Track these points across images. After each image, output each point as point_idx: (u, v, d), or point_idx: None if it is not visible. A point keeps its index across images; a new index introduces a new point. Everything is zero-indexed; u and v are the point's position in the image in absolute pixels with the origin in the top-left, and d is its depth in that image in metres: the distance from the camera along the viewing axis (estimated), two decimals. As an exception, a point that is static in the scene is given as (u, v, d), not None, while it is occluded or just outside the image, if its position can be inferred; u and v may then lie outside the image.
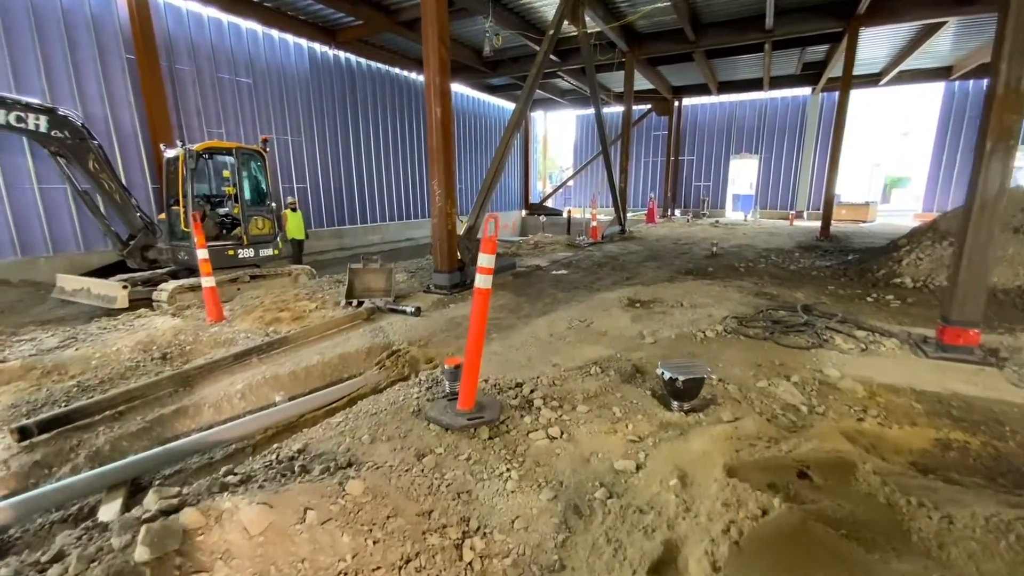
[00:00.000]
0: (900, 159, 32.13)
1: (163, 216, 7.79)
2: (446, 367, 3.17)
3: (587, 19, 10.91)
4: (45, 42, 8.47)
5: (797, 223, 17.96)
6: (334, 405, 3.62)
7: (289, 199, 10.26)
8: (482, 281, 2.77)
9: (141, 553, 1.36)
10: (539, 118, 25.14)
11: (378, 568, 1.66)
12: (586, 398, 3.24)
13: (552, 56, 13.69)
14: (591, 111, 22.09)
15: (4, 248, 8.23)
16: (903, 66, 15.32)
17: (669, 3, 10.54)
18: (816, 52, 15.00)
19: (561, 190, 24.01)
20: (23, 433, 2.91)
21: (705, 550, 1.70)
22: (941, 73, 16.52)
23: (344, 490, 1.89)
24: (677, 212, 22.19)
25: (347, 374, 4.19)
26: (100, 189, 7.21)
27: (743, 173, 21.96)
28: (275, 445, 2.77)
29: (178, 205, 7.26)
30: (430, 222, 6.85)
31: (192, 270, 7.17)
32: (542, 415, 2.99)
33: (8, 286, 7.82)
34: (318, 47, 12.84)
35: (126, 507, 2.58)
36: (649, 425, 2.83)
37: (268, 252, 8.24)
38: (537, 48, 10.94)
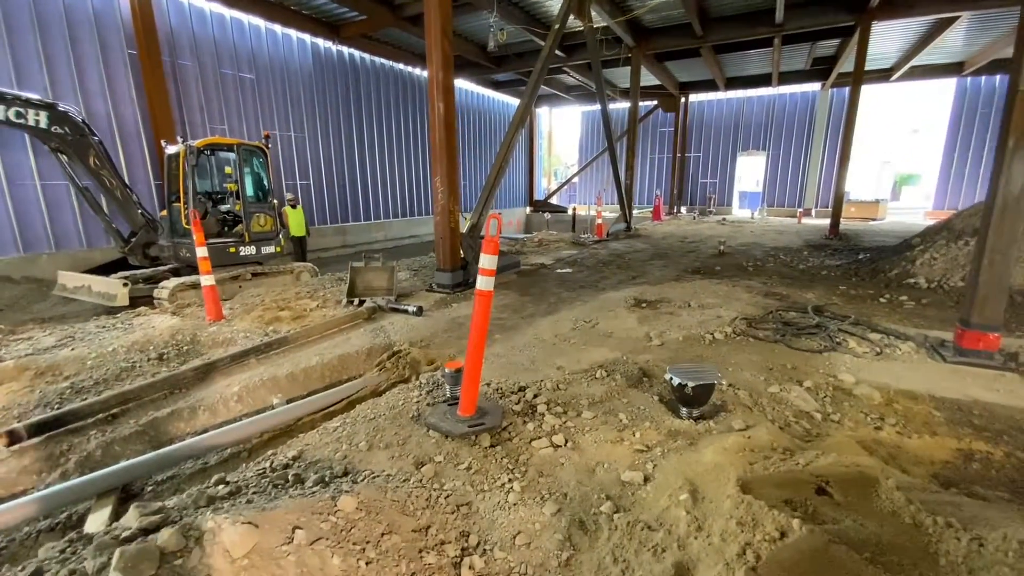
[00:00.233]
0: (910, 156, 31.70)
1: (165, 213, 7.73)
2: (446, 371, 3.07)
3: (593, 14, 10.75)
4: (47, 38, 8.42)
5: (805, 221, 17.72)
6: (332, 408, 3.53)
7: (289, 195, 10.16)
8: (484, 283, 2.66)
9: (115, 578, 1.27)
10: (544, 114, 24.95)
11: (371, 590, 1.56)
12: (591, 403, 3.13)
13: (557, 51, 13.53)
14: (597, 107, 21.92)
15: (6, 245, 8.20)
16: (914, 61, 15.04)
17: (677, -3, 10.37)
18: (827, 47, 14.75)
19: (566, 187, 23.82)
20: (12, 437, 2.84)
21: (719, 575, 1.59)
22: (953, 69, 16.22)
23: (336, 506, 1.79)
24: (683, 209, 21.98)
25: (346, 376, 4.10)
26: (101, 186, 7.14)
27: (750, 170, 21.70)
28: (270, 452, 2.68)
29: (180, 202, 7.19)
30: (433, 220, 6.75)
31: (194, 267, 7.11)
32: (546, 421, 2.88)
33: (10, 283, 7.79)
34: (321, 43, 12.73)
35: (115, 515, 2.49)
36: (657, 433, 2.72)
37: (270, 249, 8.16)
38: (542, 43, 10.77)
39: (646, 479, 2.31)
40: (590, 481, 2.37)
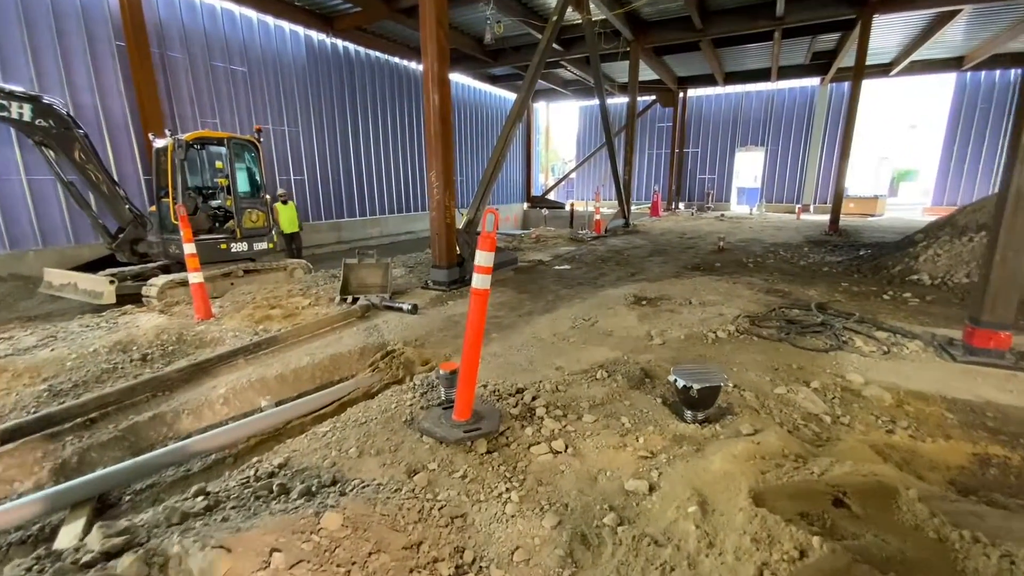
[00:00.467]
0: (907, 152, 31.68)
1: (154, 208, 7.55)
2: (441, 372, 2.94)
3: (592, 6, 10.57)
4: (33, 29, 8.20)
5: (804, 217, 17.64)
6: (323, 411, 3.40)
7: (280, 191, 9.97)
8: (480, 281, 2.53)
9: (70, 610, 1.14)
10: (541, 109, 24.74)
11: (357, 615, 1.44)
12: (592, 406, 3.01)
13: (555, 45, 13.35)
14: (594, 102, 21.79)
15: (-9, 241, 8.01)
16: (914, 56, 14.91)
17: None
18: (827, 41, 14.61)
19: (564, 183, 23.70)
20: (-17, 444, 2.69)
21: (734, 597, 1.47)
22: (952, 63, 16.10)
23: (319, 523, 1.66)
24: (681, 205, 21.86)
25: (338, 377, 3.96)
26: (87, 180, 6.95)
27: (748, 166, 21.59)
28: (255, 459, 2.55)
29: (168, 197, 7.01)
30: (428, 215, 6.60)
31: (185, 264, 6.96)
32: (545, 426, 2.76)
33: (-4, 280, 7.61)
34: (315, 35, 12.51)
35: (90, 527, 2.36)
36: (661, 438, 2.60)
37: (263, 246, 8.00)
38: (539, 36, 10.60)
39: (651, 488, 2.19)
40: (592, 490, 2.25)
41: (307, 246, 12.60)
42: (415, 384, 3.38)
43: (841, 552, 1.51)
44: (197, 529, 1.51)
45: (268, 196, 8.13)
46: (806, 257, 8.94)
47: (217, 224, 7.72)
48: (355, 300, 5.66)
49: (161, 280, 6.35)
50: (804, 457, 2.26)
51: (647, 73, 16.94)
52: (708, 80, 18.98)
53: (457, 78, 17.79)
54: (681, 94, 20.40)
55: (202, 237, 7.24)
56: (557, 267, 8.30)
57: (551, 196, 22.90)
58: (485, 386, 3.29)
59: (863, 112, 11.62)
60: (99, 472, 2.61)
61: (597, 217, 12.56)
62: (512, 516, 2.07)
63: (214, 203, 7.77)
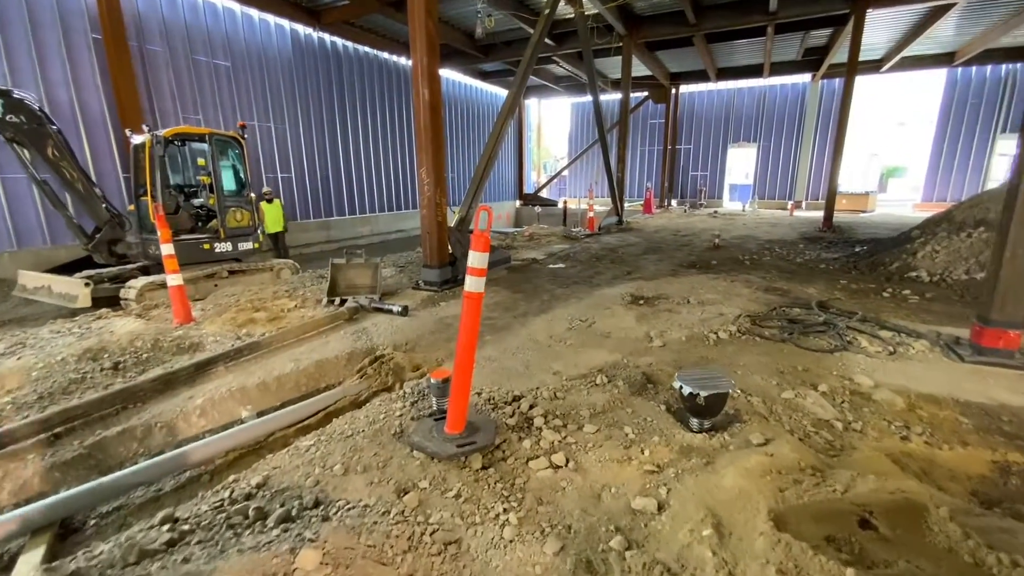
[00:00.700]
0: (896, 149, 31.94)
1: (133, 207, 7.27)
2: (432, 381, 2.76)
3: (584, 0, 10.40)
4: (5, 21, 7.87)
5: (797, 213, 17.63)
6: (308, 422, 3.21)
7: (265, 189, 9.69)
8: (473, 284, 2.35)
9: None
10: (533, 105, 24.55)
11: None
12: (593, 415, 2.85)
13: (547, 40, 13.15)
14: (586, 98, 21.64)
15: (-38, 242, 7.68)
16: (905, 52, 14.92)
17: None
18: (819, 36, 14.56)
19: (556, 180, 23.54)
20: (-68, 465, 2.47)
21: (761, 640, 1.32)
22: (943, 59, 16.14)
23: (295, 562, 1.48)
24: (674, 202, 21.79)
25: (324, 384, 3.77)
26: (61, 178, 6.65)
27: (740, 163, 21.57)
28: (232, 477, 2.35)
29: (147, 195, 6.74)
30: (419, 213, 6.40)
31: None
32: (544, 437, 2.59)
33: (-33, 283, 7.29)
34: (301, 29, 12.20)
35: (51, 555, 2.15)
36: (668, 450, 2.45)
37: (248, 246, 7.76)
38: (531, 31, 10.41)
39: (660, 507, 2.03)
40: (596, 509, 2.08)
41: (295, 245, 12.34)
42: (405, 392, 3.19)
43: (879, 587, 1.36)
44: (154, 574, 1.32)
45: (253, 194, 7.87)
46: (802, 254, 8.86)
47: (200, 223, 7.47)
48: (343, 302, 5.46)
49: (140, 282, 6.11)
50: (821, 470, 2.11)
51: (639, 69, 16.81)
52: (700, 76, 18.90)
53: (447, 74, 17.53)
54: (673, 90, 20.30)
55: (184, 237, 6.99)
56: (551, 266, 8.14)
57: (543, 194, 22.74)
58: (479, 393, 3.11)
59: (853, 109, 11.57)
60: (62, 494, 2.40)
61: (591, 215, 12.41)
62: (511, 541, 1.90)
63: (196, 202, 7.51)
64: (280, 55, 11.85)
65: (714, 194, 21.72)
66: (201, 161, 7.24)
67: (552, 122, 27.78)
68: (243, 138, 7.57)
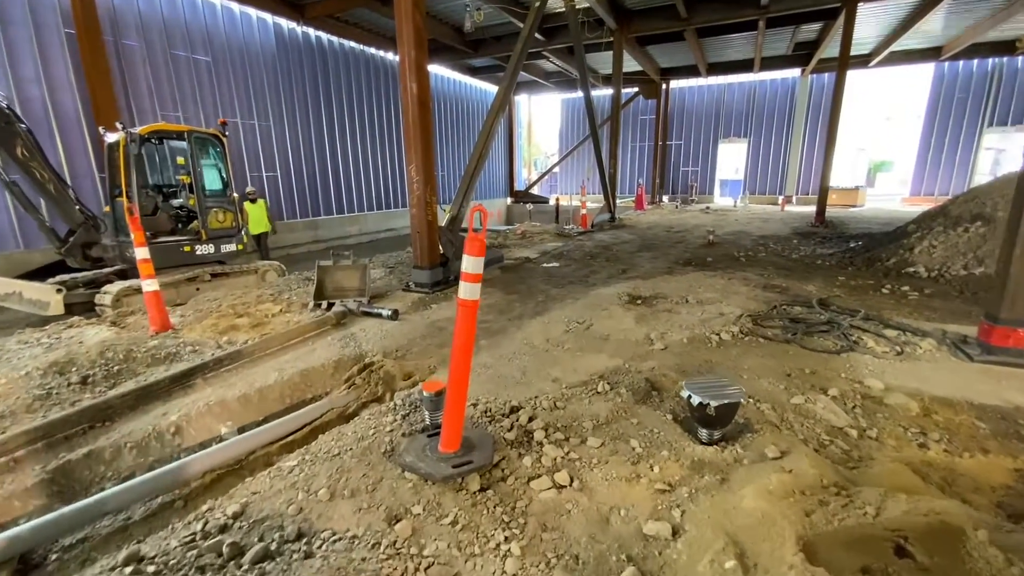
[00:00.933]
0: (883, 143, 32.24)
1: (109, 209, 6.96)
2: (425, 394, 2.58)
3: (575, -8, 10.22)
4: (-28, 17, 7.51)
5: (788, 208, 17.65)
6: (292, 437, 3.01)
7: (249, 189, 9.39)
8: (467, 291, 2.17)
9: None
10: (523, 102, 24.33)
11: None
12: (596, 426, 2.69)
13: (537, 35, 12.96)
14: (576, 95, 21.46)
15: (-72, 247, 7.32)
16: (893, 47, 14.94)
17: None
18: (809, 31, 14.53)
19: (547, 177, 23.36)
20: None
21: None
22: (930, 54, 16.22)
23: (270, 620, 1.30)
24: (665, 198, 21.74)
25: (310, 395, 3.57)
26: (31, 179, 6.34)
27: (730, 158, 21.57)
28: (206, 506, 2.15)
29: (123, 196, 6.45)
30: (409, 212, 6.20)
31: (142, 269, 6.42)
32: (545, 453, 2.42)
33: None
34: (285, 23, 11.87)
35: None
36: (679, 466, 2.29)
37: (231, 247, 7.48)
38: (521, 25, 10.21)
39: (675, 532, 1.87)
40: (605, 535, 1.92)
41: (282, 246, 12.06)
42: (396, 404, 3.01)
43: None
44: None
45: (236, 194, 7.60)
46: (797, 250, 8.80)
47: (180, 225, 7.19)
48: (330, 306, 5.24)
49: (116, 287, 5.84)
50: (846, 488, 1.97)
51: (630, 64, 16.67)
52: (691, 71, 18.82)
53: (436, 70, 17.26)
54: (664, 86, 20.21)
55: (163, 239, 6.72)
56: (545, 264, 7.98)
57: (535, 191, 22.57)
58: (475, 405, 2.94)
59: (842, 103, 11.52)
60: (22, 527, 2.18)
61: (583, 212, 12.26)
62: None
63: (176, 202, 7.22)
64: (263, 50, 11.52)
65: (705, 190, 21.70)
66: (180, 160, 6.96)
67: (542, 118, 27.64)
68: (224, 135, 7.29)
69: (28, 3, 8.04)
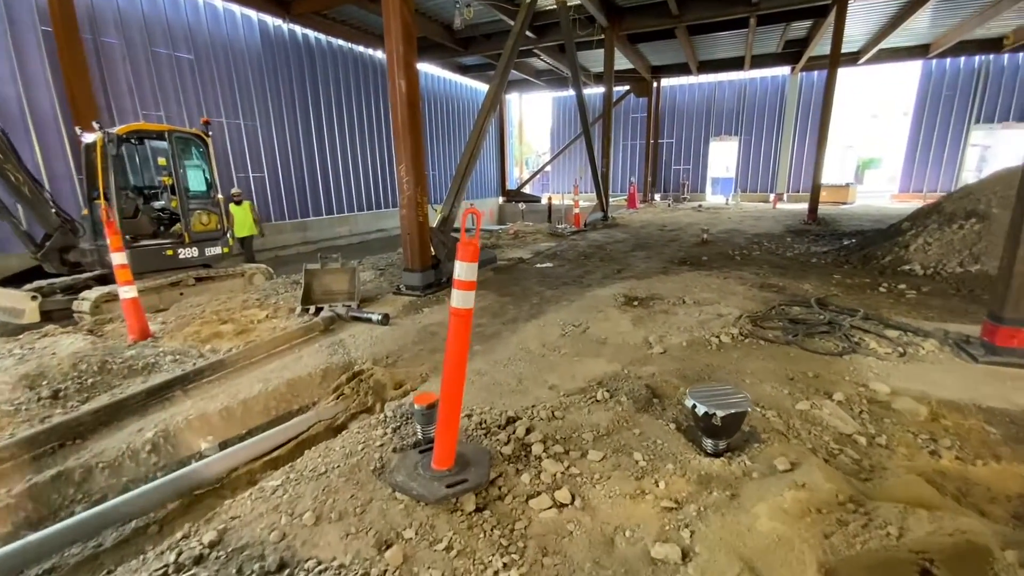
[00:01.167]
0: (870, 141, 32.49)
1: (87, 212, 6.73)
2: (416, 407, 2.44)
3: (566, -11, 10.09)
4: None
5: (780, 206, 17.68)
6: (276, 453, 2.86)
7: (234, 190, 9.15)
8: (461, 299, 2.03)
9: None
10: (514, 100, 24.17)
11: None
12: (596, 437, 2.57)
13: (528, 33, 12.82)
14: (568, 93, 21.37)
15: None
16: (882, 44, 14.99)
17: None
18: (799, 28, 14.54)
19: (539, 176, 23.23)
20: None
21: None
22: (918, 51, 16.31)
23: None
24: (657, 197, 21.72)
25: (296, 406, 3.41)
26: (5, 182, 6.09)
27: (721, 156, 21.59)
28: (181, 534, 2.00)
29: (101, 198, 6.22)
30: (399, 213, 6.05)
31: (123, 274, 6.19)
32: (544, 468, 2.30)
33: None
34: (270, 20, 11.62)
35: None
36: (685, 481, 2.18)
37: (216, 251, 7.27)
38: (512, 22, 10.07)
39: (685, 555, 1.76)
40: (610, 559, 1.80)
41: (271, 248, 11.82)
42: (386, 416, 2.87)
43: None
44: None
45: (221, 196, 7.39)
46: (791, 248, 8.75)
47: (162, 228, 6.97)
48: (318, 310, 5.08)
49: (94, 293, 5.63)
50: (862, 504, 1.86)
51: (621, 63, 16.58)
52: (682, 69, 18.79)
53: (426, 68, 17.06)
54: (655, 84, 20.17)
55: (143, 243, 6.51)
56: (539, 265, 7.85)
57: (527, 190, 22.44)
58: (469, 416, 2.81)
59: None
60: (-22, 558, 2.02)
61: (576, 211, 12.15)
62: (514, 608, 1.61)
63: (157, 204, 7.00)
64: (248, 48, 11.26)
65: (697, 188, 21.71)
66: (162, 161, 6.74)
67: (534, 117, 27.54)
68: (208, 135, 7.08)
69: (2, 1, 7.75)
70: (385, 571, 1.75)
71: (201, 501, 2.52)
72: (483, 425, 2.70)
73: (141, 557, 1.92)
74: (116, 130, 5.98)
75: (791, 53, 16.90)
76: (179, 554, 1.86)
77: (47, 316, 5.70)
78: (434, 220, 6.60)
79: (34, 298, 5.40)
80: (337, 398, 3.36)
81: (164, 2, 9.69)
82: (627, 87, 19.87)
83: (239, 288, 7.07)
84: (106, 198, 6.00)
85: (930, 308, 4.94)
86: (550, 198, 17.57)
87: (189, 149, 6.98)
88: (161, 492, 2.40)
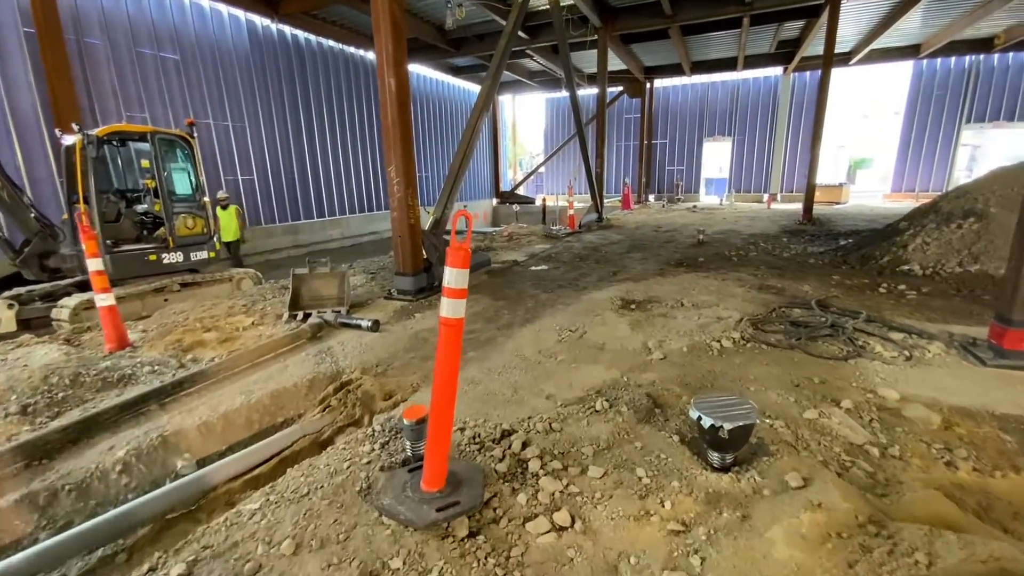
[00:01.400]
0: (861, 140, 32.67)
1: (67, 217, 6.53)
2: (405, 422, 2.29)
3: (558, -12, 9.99)
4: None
5: (774, 206, 17.67)
6: (258, 471, 2.70)
7: (220, 194, 8.94)
8: (451, 309, 1.89)
9: None
10: (507, 102, 24.07)
11: None
12: (597, 452, 2.43)
13: (521, 33, 12.71)
14: (561, 94, 21.28)
15: None
16: (873, 44, 15.02)
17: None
18: (792, 29, 14.55)
19: (533, 177, 23.14)
20: None
21: None
22: (909, 52, 16.36)
23: None
24: (651, 197, 21.67)
25: (281, 418, 3.26)
26: (-19, 186, 5.90)
27: (714, 156, 21.58)
28: (147, 566, 1.84)
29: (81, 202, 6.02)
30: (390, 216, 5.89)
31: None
32: (542, 487, 2.16)
33: None
34: (258, 20, 11.43)
35: None
36: (692, 499, 2.04)
37: (202, 255, 7.08)
38: (504, 23, 9.94)
39: (695, 586, 1.62)
40: (614, 590, 1.66)
41: (261, 252, 11.62)
42: (374, 431, 2.71)
43: None
44: None
45: (207, 199, 7.20)
46: (787, 248, 8.67)
47: (146, 232, 6.77)
48: (306, 317, 4.92)
49: (74, 300, 5.44)
50: (884, 526, 1.74)
51: (614, 63, 16.51)
52: (675, 69, 18.76)
53: (418, 69, 16.92)
54: (648, 84, 20.14)
55: (125, 248, 6.31)
56: (534, 267, 7.72)
57: (520, 191, 22.33)
58: (462, 430, 2.66)
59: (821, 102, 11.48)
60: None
61: (571, 212, 12.04)
62: (510, 649, 1.46)
63: (140, 208, 6.80)
64: (236, 48, 11.06)
65: (690, 188, 21.68)
66: (146, 163, 6.55)
67: (527, 118, 27.38)
68: (193, 137, 6.89)
69: (-18, 0, 7.55)
70: (369, 607, 1.60)
71: (174, 526, 2.36)
72: (476, 439, 2.56)
73: (104, 592, 1.76)
74: (96, 132, 5.79)
75: (783, 53, 16.92)
76: (144, 590, 1.70)
77: (25, 325, 5.51)
78: (427, 222, 6.46)
79: (11, 306, 5.20)
80: (323, 410, 3.20)
81: (149, 2, 9.50)
82: (620, 88, 19.83)
83: (226, 294, 6.88)
84: (86, 201, 5.80)
85: (932, 309, 4.84)
86: (544, 199, 17.43)
87: (173, 151, 6.79)
88: (131, 516, 2.24)
